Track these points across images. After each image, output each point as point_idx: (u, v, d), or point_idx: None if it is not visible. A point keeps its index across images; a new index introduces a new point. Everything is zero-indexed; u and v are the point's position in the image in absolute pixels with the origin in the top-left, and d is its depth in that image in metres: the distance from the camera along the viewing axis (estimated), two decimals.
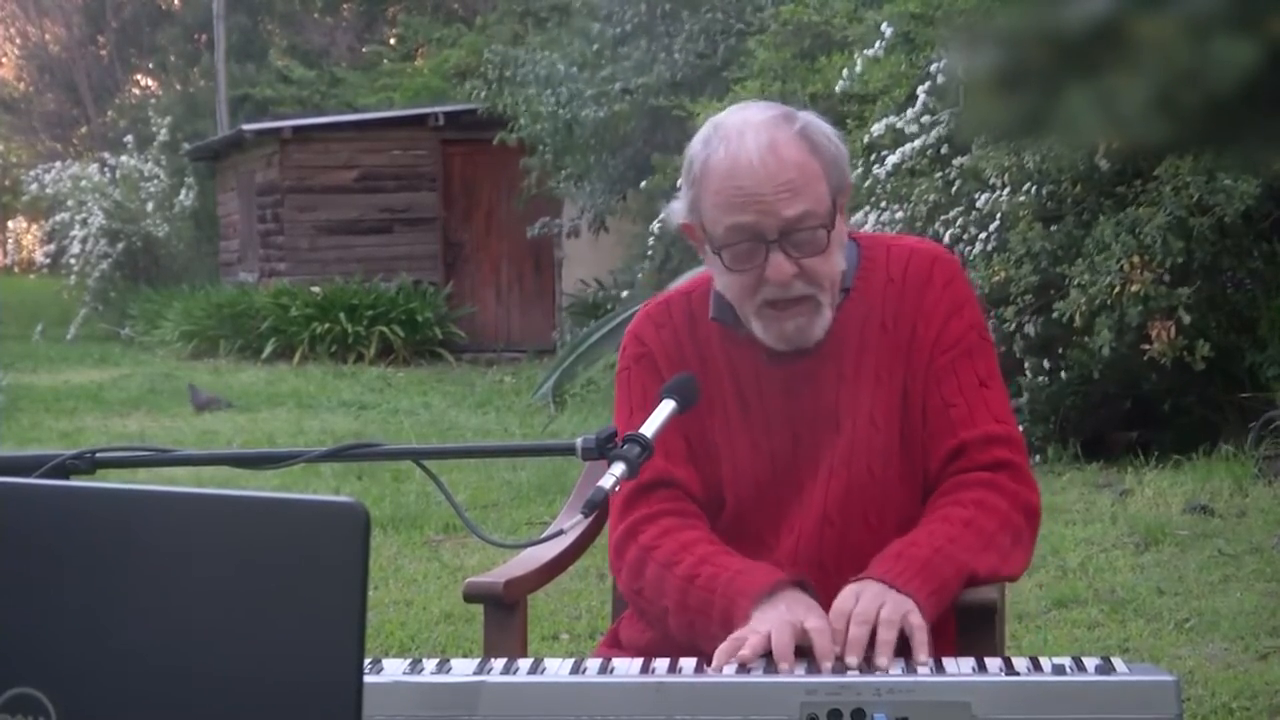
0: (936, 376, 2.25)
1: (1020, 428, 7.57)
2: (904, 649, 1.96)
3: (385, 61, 25.26)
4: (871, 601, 1.99)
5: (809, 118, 2.24)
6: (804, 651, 1.97)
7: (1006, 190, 8.04)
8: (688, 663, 1.94)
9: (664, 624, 2.23)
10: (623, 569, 2.29)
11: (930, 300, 2.27)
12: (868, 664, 1.93)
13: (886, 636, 1.94)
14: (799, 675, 1.87)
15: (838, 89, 9.01)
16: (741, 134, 2.17)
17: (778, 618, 2.00)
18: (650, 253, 11.90)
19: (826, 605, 2.05)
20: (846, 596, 2.02)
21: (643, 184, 12.19)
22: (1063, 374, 7.93)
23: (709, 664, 1.96)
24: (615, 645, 2.36)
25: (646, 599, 2.25)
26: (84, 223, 20.27)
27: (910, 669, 1.89)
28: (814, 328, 2.22)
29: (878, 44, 8.81)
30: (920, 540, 2.12)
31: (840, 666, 1.92)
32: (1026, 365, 7.98)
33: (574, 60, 13.72)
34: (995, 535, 2.17)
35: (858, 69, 8.84)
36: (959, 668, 1.88)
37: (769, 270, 2.17)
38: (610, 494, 1.86)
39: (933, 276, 2.28)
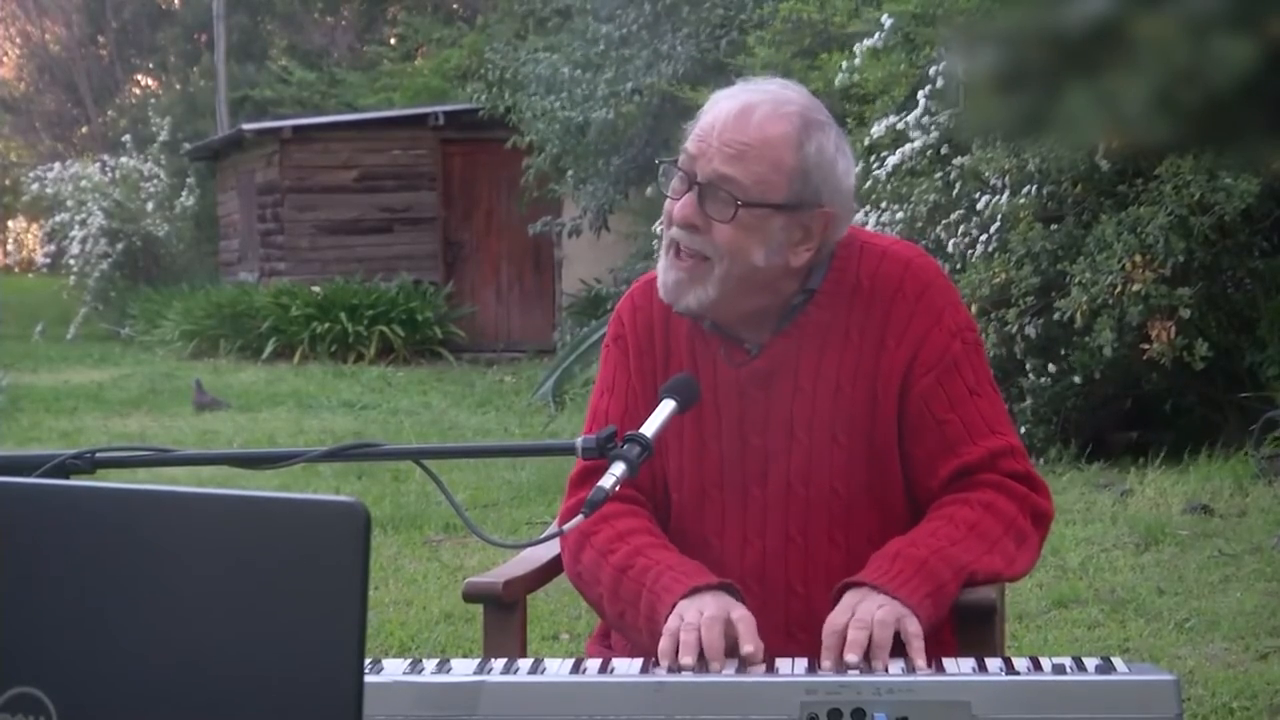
0: (924, 396, 2.20)
1: (1021, 429, 7.50)
2: (901, 650, 1.96)
3: (385, 61, 25.25)
4: (868, 607, 1.98)
5: (825, 125, 2.18)
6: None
7: (1007, 191, 8.04)
8: (688, 662, 1.94)
9: (600, 608, 2.24)
10: (564, 551, 2.30)
11: (901, 312, 2.20)
12: (866, 664, 1.92)
13: (882, 636, 1.94)
14: (799, 675, 1.87)
15: (837, 82, 9.00)
16: (747, 89, 2.18)
17: (700, 610, 1.99)
18: (655, 253, 11.89)
19: (795, 625, 2.04)
20: (843, 609, 2.00)
21: (648, 191, 12.20)
22: (1064, 375, 7.93)
23: (646, 655, 1.98)
24: (606, 639, 2.37)
25: (584, 582, 2.26)
26: (84, 223, 20.27)
27: (910, 669, 1.89)
28: (690, 292, 2.16)
29: (877, 35, 8.80)
30: (920, 540, 2.10)
31: (841, 667, 1.92)
32: (1028, 366, 7.98)
33: (576, 62, 13.71)
34: (1001, 539, 2.15)
35: (857, 61, 8.83)
36: (959, 668, 1.88)
37: (679, 204, 2.16)
38: (610, 494, 1.86)
39: (903, 286, 2.21)
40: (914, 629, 1.96)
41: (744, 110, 2.14)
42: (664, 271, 2.20)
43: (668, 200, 2.21)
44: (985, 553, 2.12)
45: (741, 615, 1.99)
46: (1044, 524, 2.25)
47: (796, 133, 2.14)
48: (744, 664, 1.94)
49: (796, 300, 2.22)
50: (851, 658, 1.91)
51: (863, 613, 1.97)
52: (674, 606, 2.04)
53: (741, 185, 2.12)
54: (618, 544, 2.20)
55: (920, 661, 1.92)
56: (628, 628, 2.15)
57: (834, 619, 1.98)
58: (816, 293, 2.22)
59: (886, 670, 1.90)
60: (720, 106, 2.16)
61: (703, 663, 1.93)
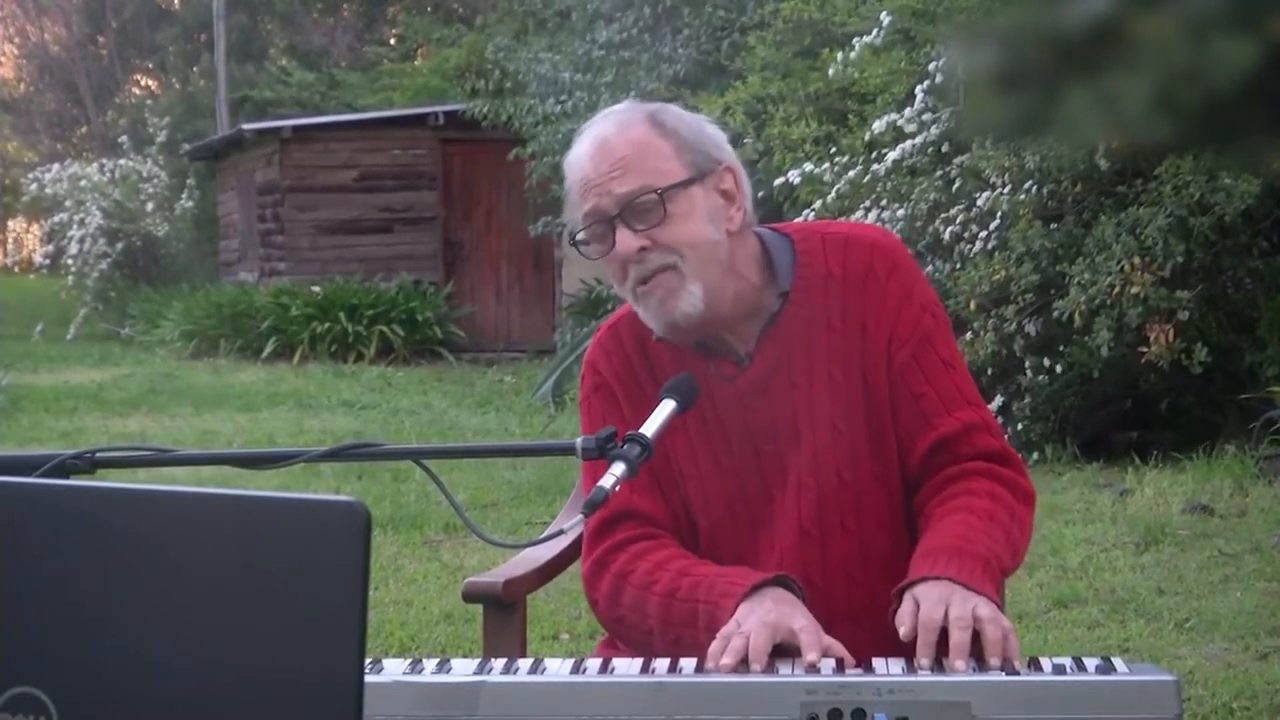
0: (900, 371, 2.22)
1: (1019, 426, 7.48)
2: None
3: (385, 62, 25.25)
4: (964, 605, 1.94)
5: (667, 107, 2.28)
6: (791, 651, 1.95)
7: (1007, 189, 8.04)
8: (688, 663, 1.93)
9: (648, 646, 2.18)
10: (599, 600, 2.26)
11: (876, 293, 2.23)
12: (976, 664, 1.87)
13: (994, 633, 1.89)
14: (799, 675, 1.86)
15: (831, 73, 9.00)
16: (587, 132, 2.23)
17: (760, 618, 1.97)
18: None
19: (817, 618, 2.02)
20: (933, 604, 1.95)
21: None
22: (1062, 372, 7.93)
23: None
24: (614, 645, 2.36)
25: (628, 624, 2.23)
26: (81, 223, 20.27)
27: (910, 669, 1.88)
28: (678, 301, 2.17)
29: (875, 32, 8.80)
30: (972, 537, 2.09)
31: (938, 667, 1.88)
32: (1026, 364, 7.98)
33: (577, 64, 13.71)
34: (1010, 528, 2.16)
35: (853, 55, 8.82)
36: (959, 668, 1.88)
37: (617, 245, 2.17)
38: (611, 493, 1.86)
39: (874, 266, 2.24)
40: (1010, 625, 1.94)
41: (598, 142, 2.20)
42: (645, 309, 2.21)
43: (609, 266, 2.22)
44: (1005, 546, 2.13)
45: (803, 627, 1.96)
46: (1032, 503, 2.25)
47: (651, 123, 2.22)
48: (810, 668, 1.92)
49: (774, 306, 2.24)
50: (960, 664, 1.86)
51: (961, 610, 1.92)
52: (735, 610, 2.02)
53: (648, 184, 2.17)
54: (658, 573, 2.19)
55: (1019, 661, 1.88)
56: (686, 649, 2.09)
57: (930, 615, 1.93)
58: (791, 292, 2.24)
59: (1018, 672, 1.85)
60: (580, 157, 2.22)
61: (744, 666, 1.91)
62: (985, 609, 1.93)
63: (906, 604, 1.98)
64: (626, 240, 2.17)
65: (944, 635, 1.91)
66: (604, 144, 2.19)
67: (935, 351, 2.24)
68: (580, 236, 2.22)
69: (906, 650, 1.93)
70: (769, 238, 2.30)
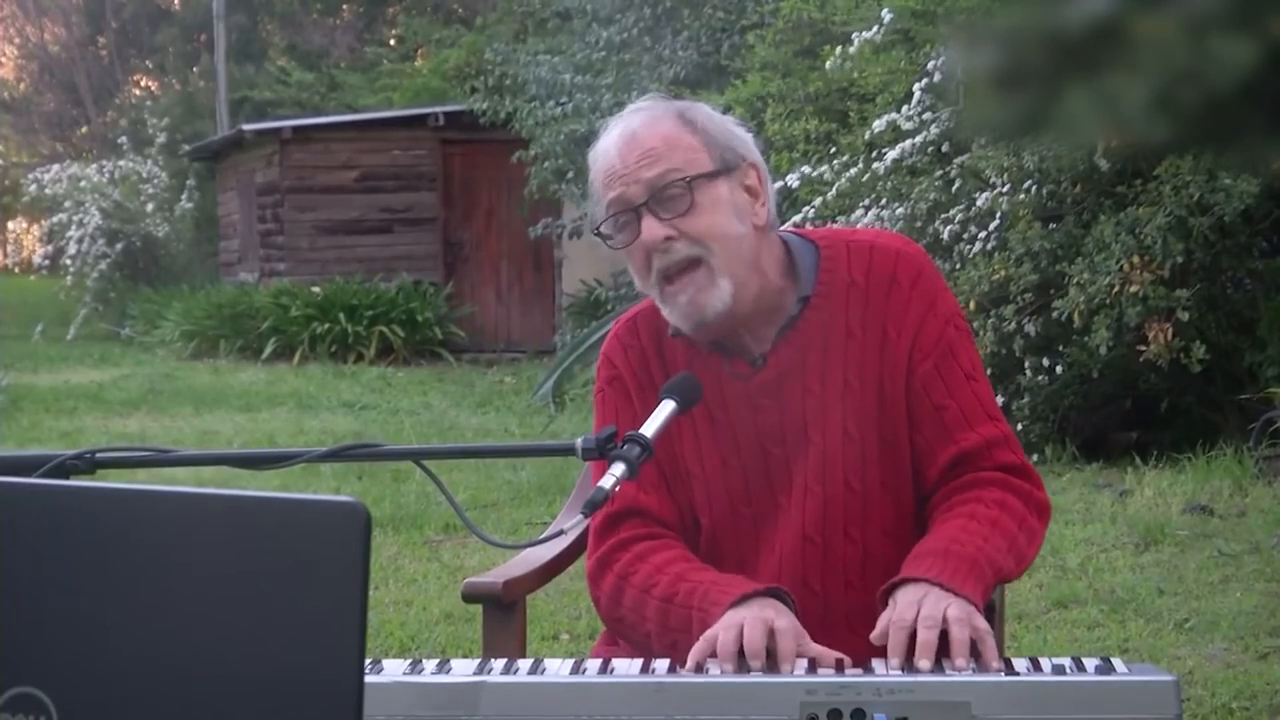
0: (923, 383, 2.21)
1: (1018, 426, 7.48)
2: (945, 650, 1.92)
3: (385, 62, 25.26)
4: (936, 605, 1.94)
5: (696, 105, 2.29)
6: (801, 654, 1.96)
7: (1006, 189, 8.04)
8: (727, 669, 1.92)
9: (647, 648, 2.18)
10: (601, 598, 2.27)
11: (898, 302, 2.23)
12: (938, 666, 1.88)
13: (961, 635, 1.90)
14: (799, 675, 1.87)
15: (829, 66, 8.99)
16: (614, 126, 2.24)
17: (750, 615, 1.97)
18: None
19: (812, 623, 2.03)
20: (907, 605, 1.96)
21: None
22: (1061, 372, 7.93)
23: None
24: (614, 644, 2.36)
25: (629, 625, 2.23)
26: (81, 223, 20.26)
27: (910, 669, 1.88)
28: (709, 298, 2.17)
29: (875, 29, 8.79)
30: (964, 539, 2.09)
31: (909, 667, 1.89)
32: (1026, 364, 7.98)
33: (577, 65, 13.70)
34: (1016, 536, 2.16)
35: (852, 50, 8.81)
36: (923, 666, 1.88)
37: (643, 234, 2.17)
38: (610, 494, 1.86)
39: (898, 276, 2.23)
40: (984, 625, 1.94)
41: (626, 134, 2.21)
42: (671, 308, 2.20)
43: (631, 256, 2.21)
44: (1006, 552, 2.13)
45: (785, 627, 1.96)
46: (1046, 517, 2.26)
47: (679, 119, 2.23)
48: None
49: (793, 309, 2.24)
50: (924, 664, 1.87)
51: (931, 610, 1.93)
52: (723, 617, 2.02)
53: (677, 172, 2.17)
54: (657, 577, 2.19)
55: (995, 663, 1.89)
56: (683, 655, 2.08)
57: (901, 615, 1.94)
58: (811, 297, 2.23)
59: (963, 671, 1.86)
60: (607, 149, 2.22)
61: (742, 662, 1.91)
62: (956, 610, 1.93)
63: (886, 607, 2.00)
64: (653, 228, 2.16)
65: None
66: (632, 136, 2.20)
67: (958, 364, 2.24)
68: (604, 227, 2.21)
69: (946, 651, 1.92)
70: (794, 242, 2.29)
